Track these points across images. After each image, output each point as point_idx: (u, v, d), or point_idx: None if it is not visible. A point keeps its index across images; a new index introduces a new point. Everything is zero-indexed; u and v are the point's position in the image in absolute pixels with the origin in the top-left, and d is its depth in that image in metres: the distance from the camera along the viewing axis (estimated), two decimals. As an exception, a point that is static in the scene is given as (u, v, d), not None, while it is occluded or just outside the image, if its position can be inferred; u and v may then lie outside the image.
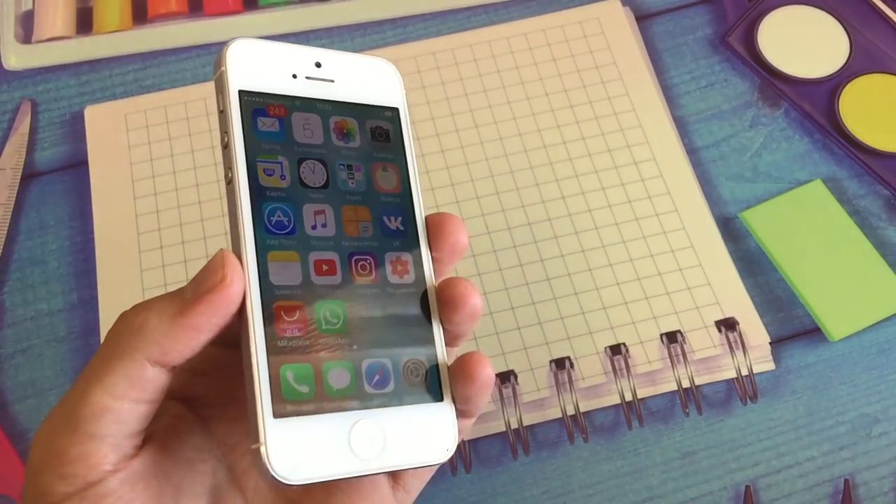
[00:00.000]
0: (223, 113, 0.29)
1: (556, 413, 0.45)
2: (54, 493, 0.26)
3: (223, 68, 0.29)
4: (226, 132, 0.29)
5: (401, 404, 0.29)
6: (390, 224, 0.31)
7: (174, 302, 0.27)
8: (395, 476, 0.31)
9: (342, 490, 0.30)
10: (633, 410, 0.45)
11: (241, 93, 0.29)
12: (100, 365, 0.26)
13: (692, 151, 0.53)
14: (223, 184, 0.30)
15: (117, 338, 0.27)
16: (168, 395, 0.28)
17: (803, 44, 0.56)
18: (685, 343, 0.46)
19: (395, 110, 0.32)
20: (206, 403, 0.30)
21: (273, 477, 0.26)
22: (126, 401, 0.26)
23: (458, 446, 0.43)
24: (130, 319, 0.27)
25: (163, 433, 0.29)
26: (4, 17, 0.58)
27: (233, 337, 0.28)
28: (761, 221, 0.50)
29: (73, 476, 0.26)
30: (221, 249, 0.27)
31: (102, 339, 0.28)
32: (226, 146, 0.29)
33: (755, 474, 0.44)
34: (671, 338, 0.46)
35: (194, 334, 0.26)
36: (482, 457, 0.45)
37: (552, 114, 0.54)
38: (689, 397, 0.46)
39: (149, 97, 0.55)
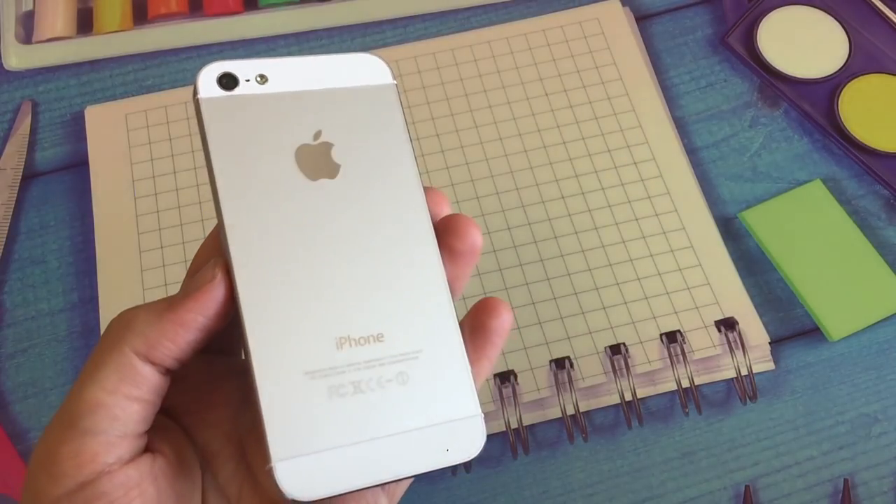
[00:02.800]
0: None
1: (555, 413, 0.45)
2: (46, 494, 0.25)
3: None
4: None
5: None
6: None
7: (166, 300, 0.27)
8: None
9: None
10: (632, 410, 0.45)
11: None
12: (92, 362, 0.27)
13: (692, 151, 0.53)
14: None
15: (109, 334, 0.27)
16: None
17: (803, 44, 0.56)
18: (685, 343, 0.46)
19: None
20: (184, 412, 0.30)
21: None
22: (118, 395, 0.26)
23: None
24: (123, 316, 0.27)
25: (161, 444, 0.28)
26: (5, 17, 0.58)
27: (217, 343, 0.28)
28: (761, 221, 0.50)
29: (63, 475, 0.25)
30: (217, 258, 0.28)
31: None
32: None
33: (755, 474, 0.44)
34: (671, 338, 0.46)
35: (180, 330, 0.27)
36: (482, 457, 0.45)
37: (552, 114, 0.54)
38: (689, 397, 0.46)
39: (149, 97, 0.55)
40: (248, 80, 0.30)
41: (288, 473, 0.26)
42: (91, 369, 0.26)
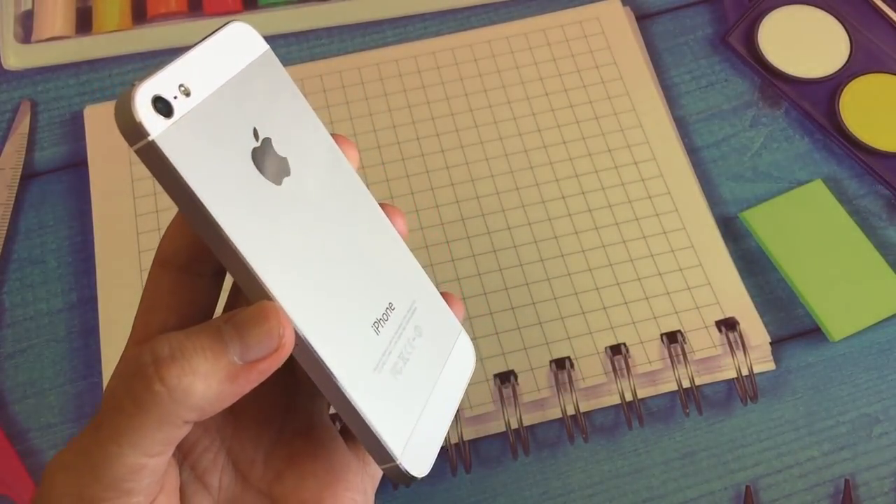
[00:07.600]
0: None
1: (556, 413, 0.45)
2: None
3: None
4: None
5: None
6: None
7: (221, 366, 0.25)
8: (363, 456, 0.32)
9: (313, 474, 0.30)
10: (633, 410, 0.45)
11: None
12: (131, 426, 0.25)
13: (692, 151, 0.53)
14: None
15: (155, 401, 0.24)
16: None
17: (803, 44, 0.56)
18: (685, 343, 0.46)
19: None
20: None
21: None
22: (162, 456, 0.26)
23: (458, 446, 0.43)
24: (171, 383, 0.24)
25: None
26: (4, 16, 0.58)
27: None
28: (761, 221, 0.50)
29: None
30: (269, 303, 0.25)
31: (111, 374, 0.26)
32: None
33: (755, 474, 0.44)
34: (671, 338, 0.46)
35: (240, 393, 0.26)
36: (482, 457, 0.45)
37: (552, 114, 0.54)
38: (690, 397, 0.46)
39: (148, 97, 0.55)
40: (175, 98, 0.25)
41: (409, 461, 0.29)
42: (131, 434, 0.25)
